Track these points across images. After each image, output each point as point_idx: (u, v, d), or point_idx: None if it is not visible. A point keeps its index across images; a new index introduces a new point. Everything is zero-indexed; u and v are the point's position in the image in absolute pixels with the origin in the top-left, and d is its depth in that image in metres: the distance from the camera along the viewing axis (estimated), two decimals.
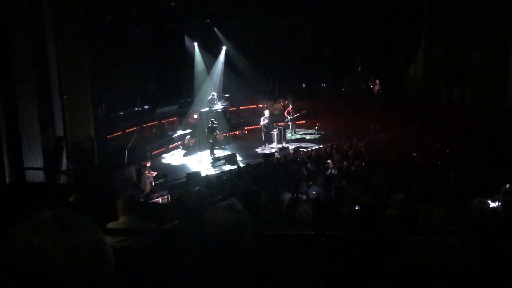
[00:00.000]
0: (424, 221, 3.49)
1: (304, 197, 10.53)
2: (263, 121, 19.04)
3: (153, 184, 14.59)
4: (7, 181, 6.63)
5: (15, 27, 7.30)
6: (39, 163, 8.36)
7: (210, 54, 22.83)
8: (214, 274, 1.85)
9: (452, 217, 3.46)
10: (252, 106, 23.44)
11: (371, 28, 22.32)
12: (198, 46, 22.23)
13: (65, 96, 13.47)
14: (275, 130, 19.47)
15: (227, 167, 16.94)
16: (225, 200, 2.04)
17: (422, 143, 15.46)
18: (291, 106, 20.89)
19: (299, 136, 20.65)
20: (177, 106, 20.64)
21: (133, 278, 3.27)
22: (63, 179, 10.56)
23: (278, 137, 19.38)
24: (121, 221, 4.42)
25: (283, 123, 20.03)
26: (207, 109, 20.13)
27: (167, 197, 13.52)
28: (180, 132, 19.92)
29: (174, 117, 21.10)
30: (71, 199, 4.76)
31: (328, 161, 13.69)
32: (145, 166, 14.74)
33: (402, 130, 17.67)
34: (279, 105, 22.15)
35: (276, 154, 17.68)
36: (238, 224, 1.88)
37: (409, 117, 19.09)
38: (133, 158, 16.21)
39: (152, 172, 14.99)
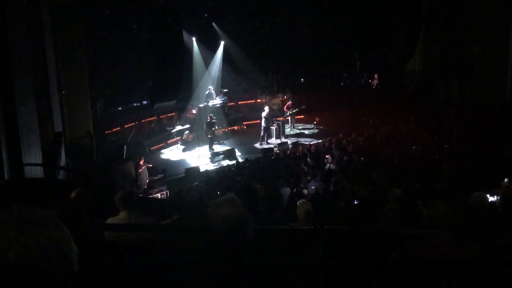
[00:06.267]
0: (427, 216, 3.49)
1: (306, 191, 10.56)
2: (264, 115, 18.89)
3: (147, 180, 14.65)
4: (6, 177, 6.63)
5: (13, 22, 7.27)
6: (38, 158, 8.36)
7: (209, 49, 22.78)
8: (217, 268, 1.86)
9: (457, 211, 3.46)
10: (250, 101, 23.41)
11: (369, 23, 22.26)
12: (196, 41, 22.17)
13: (63, 92, 13.44)
14: (274, 125, 19.47)
15: (225, 162, 16.96)
16: (223, 195, 2.05)
17: (420, 138, 15.47)
18: (290, 101, 20.87)
19: (298, 131, 20.67)
20: (175, 101, 20.63)
21: (134, 272, 3.28)
22: (62, 174, 10.57)
23: (277, 132, 19.38)
24: (121, 216, 4.43)
25: (281, 118, 20.03)
26: (205, 104, 20.12)
27: (166, 192, 13.54)
28: (178, 127, 19.91)
29: (172, 112, 21.08)
30: (72, 194, 4.76)
31: (327, 156, 13.71)
32: (139, 164, 14.77)
33: (401, 125, 17.67)
34: (277, 100, 22.14)
35: (275, 149, 17.69)
36: (241, 218, 1.89)
37: (408, 112, 19.08)
38: (132, 153, 16.21)
39: (148, 165, 15.09)
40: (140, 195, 12.30)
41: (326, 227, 3.63)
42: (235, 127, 21.05)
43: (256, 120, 20.28)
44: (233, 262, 1.86)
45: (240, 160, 16.43)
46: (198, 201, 4.51)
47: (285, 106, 20.55)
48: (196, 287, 1.89)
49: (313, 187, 10.91)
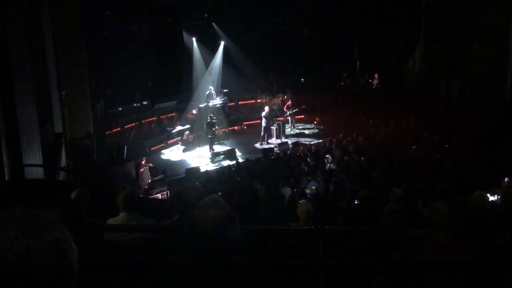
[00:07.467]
0: (428, 216, 3.49)
1: (307, 191, 10.56)
2: (265, 115, 18.89)
3: (149, 180, 14.65)
4: (6, 178, 6.62)
5: (13, 23, 7.27)
6: (38, 159, 8.36)
7: (209, 49, 22.80)
8: (209, 269, 1.87)
9: (458, 211, 3.46)
10: (251, 101, 23.44)
11: (369, 23, 22.25)
12: (197, 41, 22.19)
13: (63, 92, 13.43)
14: (274, 125, 19.47)
15: (226, 163, 16.95)
16: (222, 195, 2.06)
17: (421, 138, 15.47)
18: (290, 101, 20.87)
19: (298, 131, 20.66)
20: (175, 101, 20.64)
21: (132, 272, 3.29)
22: (62, 175, 10.56)
23: (277, 132, 19.38)
24: (121, 217, 4.43)
25: (282, 118, 20.03)
26: (205, 104, 20.13)
27: (167, 193, 13.55)
28: (179, 128, 19.92)
29: (173, 113, 21.09)
30: (73, 195, 4.76)
31: (327, 156, 13.71)
32: (140, 163, 14.78)
33: (401, 125, 17.68)
34: (278, 100, 22.13)
35: (275, 149, 17.69)
36: (227, 218, 1.91)
37: (408, 112, 19.08)
38: (132, 154, 16.21)
39: (151, 165, 15.09)
40: (140, 195, 12.30)
41: (326, 227, 3.63)
42: (236, 127, 21.06)
43: (256, 120, 20.28)
44: (225, 262, 1.87)
45: (241, 160, 16.43)
46: (199, 201, 4.50)
47: (285, 106, 20.56)
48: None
49: (313, 187, 10.90)
